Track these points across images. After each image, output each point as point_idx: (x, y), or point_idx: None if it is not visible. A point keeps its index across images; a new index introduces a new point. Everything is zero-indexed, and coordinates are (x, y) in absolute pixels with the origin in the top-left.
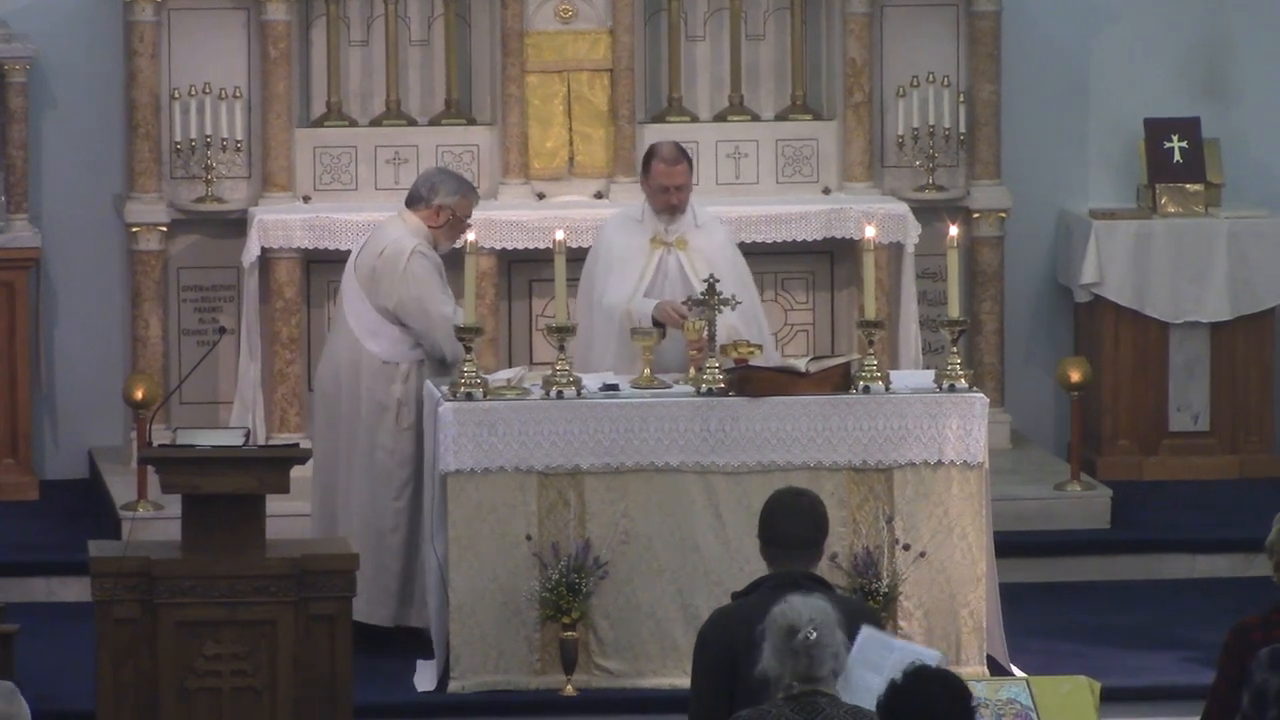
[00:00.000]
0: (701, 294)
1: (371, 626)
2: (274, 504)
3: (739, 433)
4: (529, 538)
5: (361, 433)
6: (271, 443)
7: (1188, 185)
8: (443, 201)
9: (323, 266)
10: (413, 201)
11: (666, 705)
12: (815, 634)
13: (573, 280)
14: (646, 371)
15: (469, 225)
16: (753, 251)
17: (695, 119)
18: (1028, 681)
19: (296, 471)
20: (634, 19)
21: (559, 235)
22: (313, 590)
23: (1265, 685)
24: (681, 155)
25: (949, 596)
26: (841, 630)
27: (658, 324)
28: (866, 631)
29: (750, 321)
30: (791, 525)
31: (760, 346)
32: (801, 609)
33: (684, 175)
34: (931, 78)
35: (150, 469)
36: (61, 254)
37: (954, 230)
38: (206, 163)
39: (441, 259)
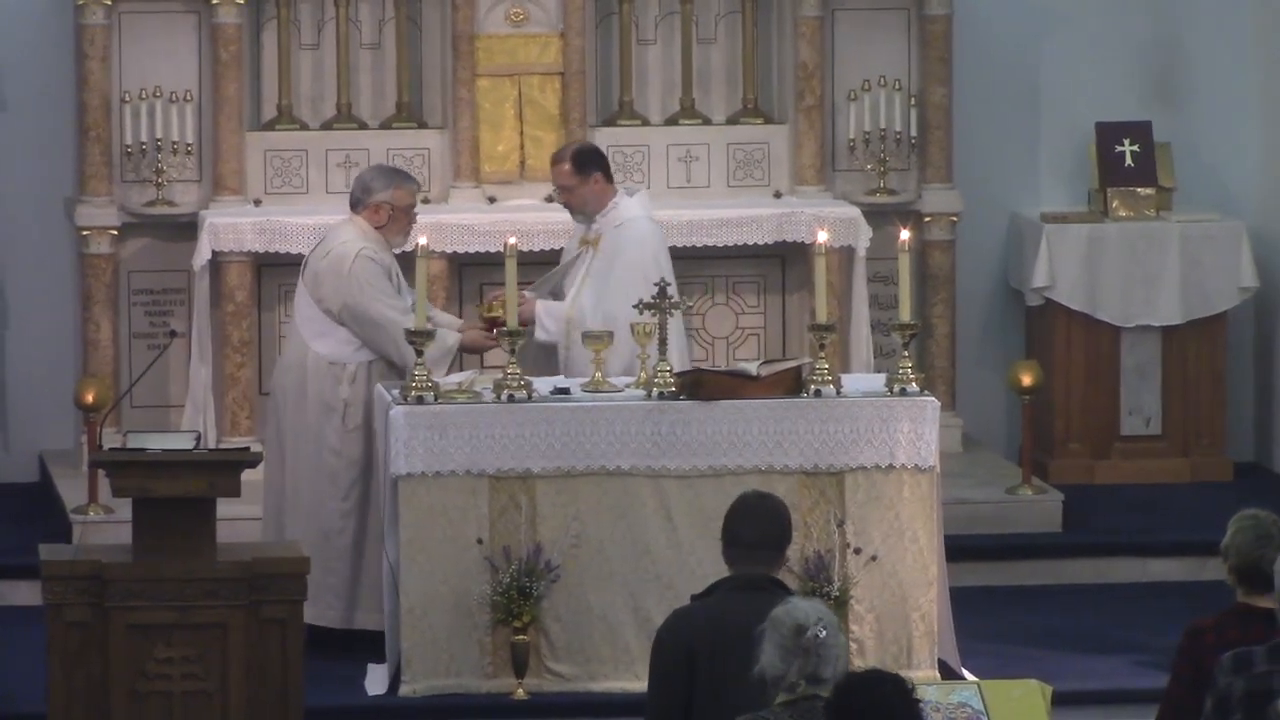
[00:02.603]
0: (654, 297)
1: (321, 629)
2: (227, 507)
3: (690, 436)
4: (480, 541)
5: (309, 434)
6: (222, 446)
7: (1139, 189)
8: (378, 199)
9: (273, 270)
10: (353, 206)
11: (618, 709)
12: (824, 633)
13: (524, 283)
14: (598, 375)
15: (416, 216)
16: (704, 255)
17: (646, 123)
18: (979, 685)
19: (248, 475)
20: (585, 22)
21: (511, 240)
22: (264, 593)
23: (1229, 689)
24: (566, 156)
25: (900, 600)
26: (843, 634)
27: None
28: None
29: (608, 319)
30: (754, 527)
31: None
32: (808, 609)
33: (565, 176)
34: (883, 81)
35: (101, 472)
36: (12, 257)
37: (905, 234)
38: (157, 166)
39: (396, 258)
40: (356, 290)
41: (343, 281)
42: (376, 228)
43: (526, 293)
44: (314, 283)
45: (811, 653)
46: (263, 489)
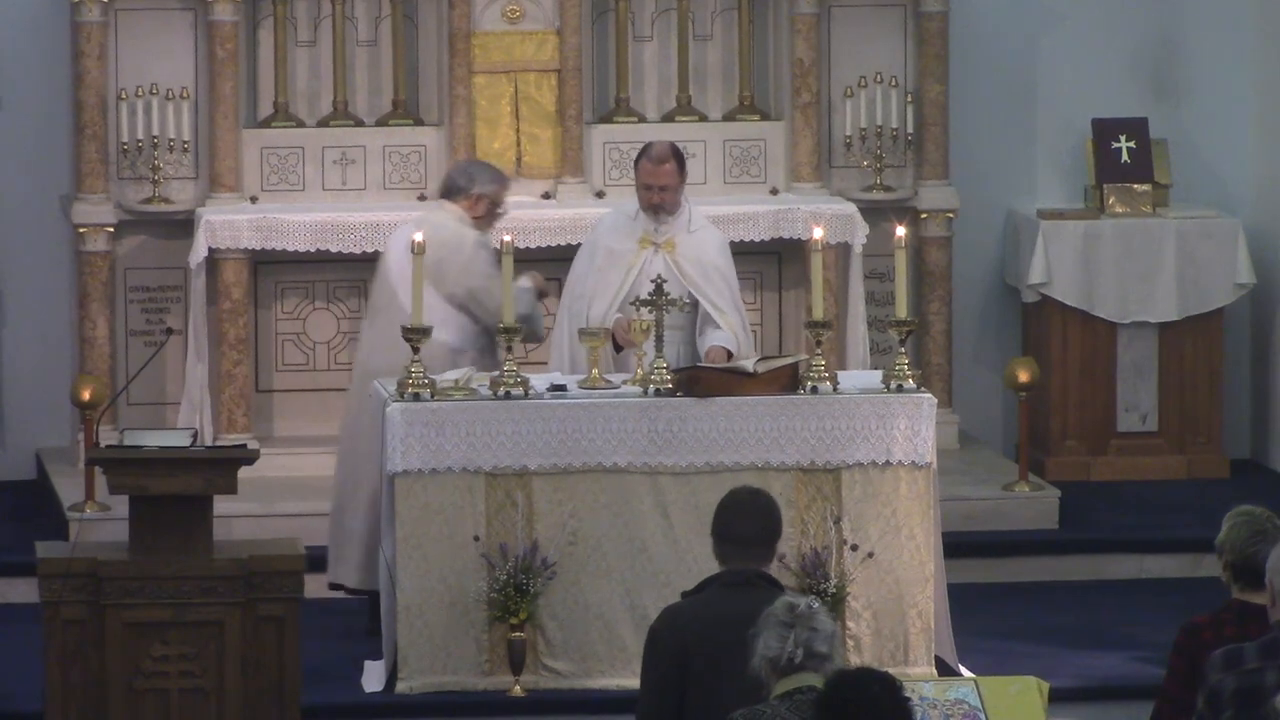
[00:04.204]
0: (650, 294)
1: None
2: (223, 505)
3: (687, 433)
4: (477, 538)
5: None
6: (219, 443)
7: (1136, 185)
8: (481, 190)
9: (270, 267)
10: (451, 193)
11: (615, 706)
12: (815, 603)
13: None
14: (595, 372)
15: (503, 212)
16: None
17: (643, 119)
18: (976, 682)
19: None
20: (581, 19)
21: (506, 237)
22: (260, 591)
23: (1220, 686)
24: (670, 155)
25: (897, 597)
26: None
27: (616, 343)
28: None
29: (740, 332)
30: (746, 524)
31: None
32: (789, 598)
33: (670, 175)
34: (879, 78)
35: (98, 470)
36: (8, 255)
37: (901, 231)
38: (153, 163)
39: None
40: (479, 275)
41: (462, 269)
42: (473, 218)
43: (642, 315)
44: (435, 271)
45: (805, 621)
46: (336, 482)
